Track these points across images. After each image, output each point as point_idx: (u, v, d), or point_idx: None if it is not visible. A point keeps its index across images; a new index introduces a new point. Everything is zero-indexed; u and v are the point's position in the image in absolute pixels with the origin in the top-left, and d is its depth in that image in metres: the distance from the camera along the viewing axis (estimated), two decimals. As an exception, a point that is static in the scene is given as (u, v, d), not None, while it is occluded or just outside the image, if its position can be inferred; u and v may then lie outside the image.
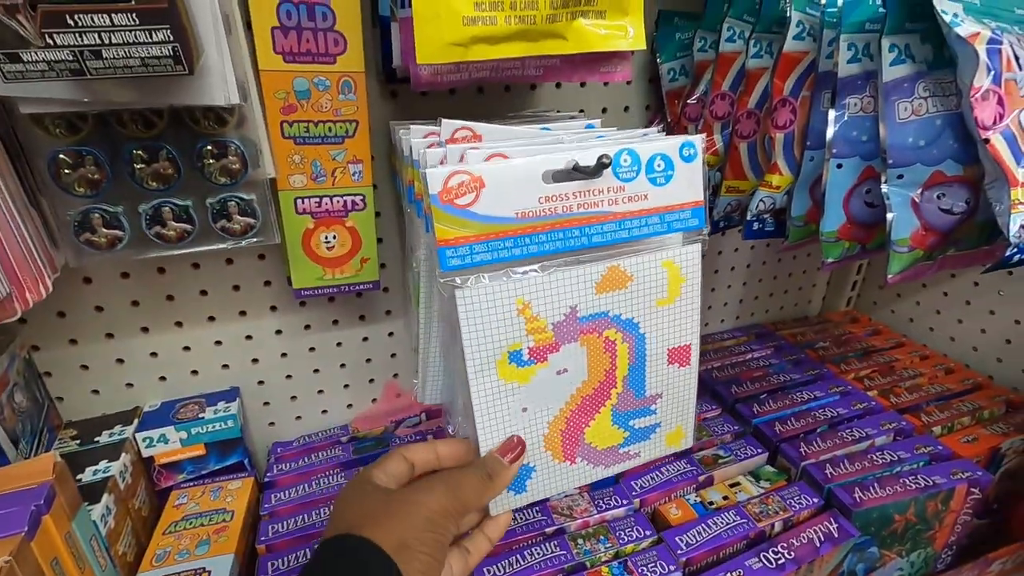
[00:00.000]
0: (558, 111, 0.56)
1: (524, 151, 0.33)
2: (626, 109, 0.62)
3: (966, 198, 0.37)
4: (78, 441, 0.51)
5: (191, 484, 0.55)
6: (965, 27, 0.33)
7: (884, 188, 0.39)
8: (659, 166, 0.34)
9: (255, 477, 0.57)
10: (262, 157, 0.42)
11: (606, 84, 0.60)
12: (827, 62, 0.41)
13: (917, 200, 0.38)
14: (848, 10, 0.39)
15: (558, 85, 0.58)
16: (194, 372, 0.58)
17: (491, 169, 0.31)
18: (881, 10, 0.38)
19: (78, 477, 0.47)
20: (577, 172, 0.32)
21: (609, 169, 0.32)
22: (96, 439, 0.51)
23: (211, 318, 0.56)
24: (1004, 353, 0.71)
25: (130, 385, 0.56)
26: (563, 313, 0.33)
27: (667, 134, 0.59)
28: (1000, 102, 0.33)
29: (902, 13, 0.36)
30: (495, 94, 0.56)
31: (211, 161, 0.39)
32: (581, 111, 0.60)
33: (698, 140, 0.34)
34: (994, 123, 0.33)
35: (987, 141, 0.33)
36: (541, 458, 0.36)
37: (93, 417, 0.55)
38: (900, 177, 0.38)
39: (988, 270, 0.36)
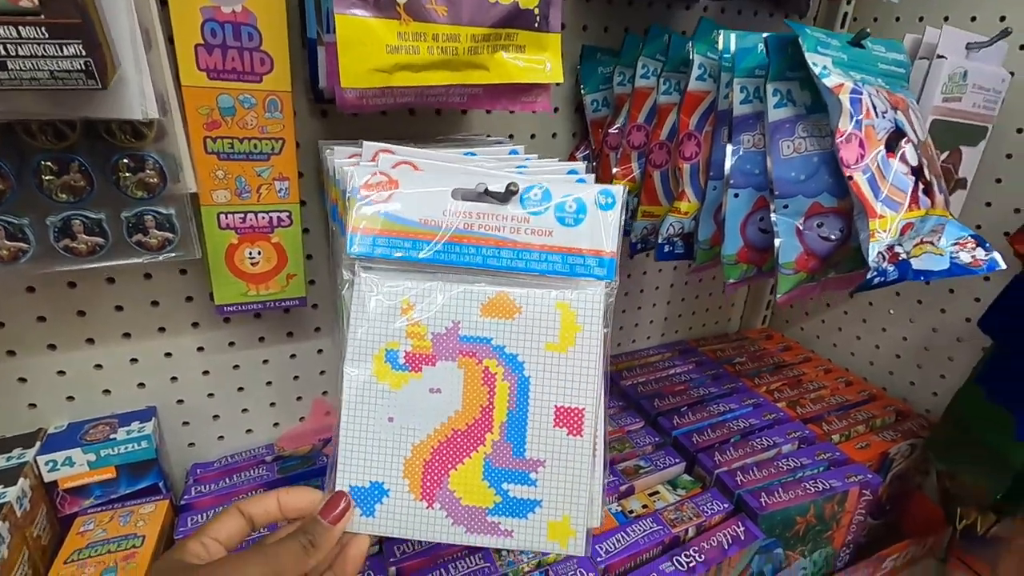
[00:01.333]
0: (488, 135, 0.58)
1: (440, 167, 0.35)
2: (554, 136, 0.66)
3: (840, 227, 0.42)
4: (-30, 466, 0.48)
5: (99, 509, 0.53)
6: (832, 79, 0.38)
7: (773, 216, 0.43)
8: (570, 207, 0.34)
9: (171, 500, 0.54)
10: (183, 172, 0.42)
11: (534, 111, 0.63)
12: (724, 102, 0.46)
13: (800, 228, 0.43)
14: (740, 57, 0.43)
15: (488, 111, 0.61)
16: (106, 392, 0.55)
17: (407, 175, 0.34)
18: (767, 58, 0.42)
19: (-32, 505, 0.44)
20: (486, 196, 0.34)
21: (516, 198, 0.34)
22: (-9, 464, 0.48)
23: (126, 335, 0.54)
24: (894, 367, 0.78)
25: (33, 405, 0.53)
26: (445, 326, 0.33)
27: (592, 161, 0.63)
28: (861, 144, 0.37)
29: (783, 63, 0.41)
30: (426, 117, 0.58)
31: (127, 174, 0.39)
32: (511, 136, 0.63)
33: (618, 190, 0.34)
34: (856, 162, 0.37)
35: (850, 178, 0.37)
36: (397, 484, 0.33)
37: (-11, 440, 0.51)
38: (785, 207, 0.43)
39: (854, 291, 0.41)
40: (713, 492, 0.59)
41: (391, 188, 0.34)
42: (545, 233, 0.34)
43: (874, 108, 0.38)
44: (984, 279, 0.67)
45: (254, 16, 0.41)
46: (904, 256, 0.38)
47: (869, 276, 0.37)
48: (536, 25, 0.42)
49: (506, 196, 0.34)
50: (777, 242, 0.43)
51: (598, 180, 0.61)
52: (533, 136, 0.64)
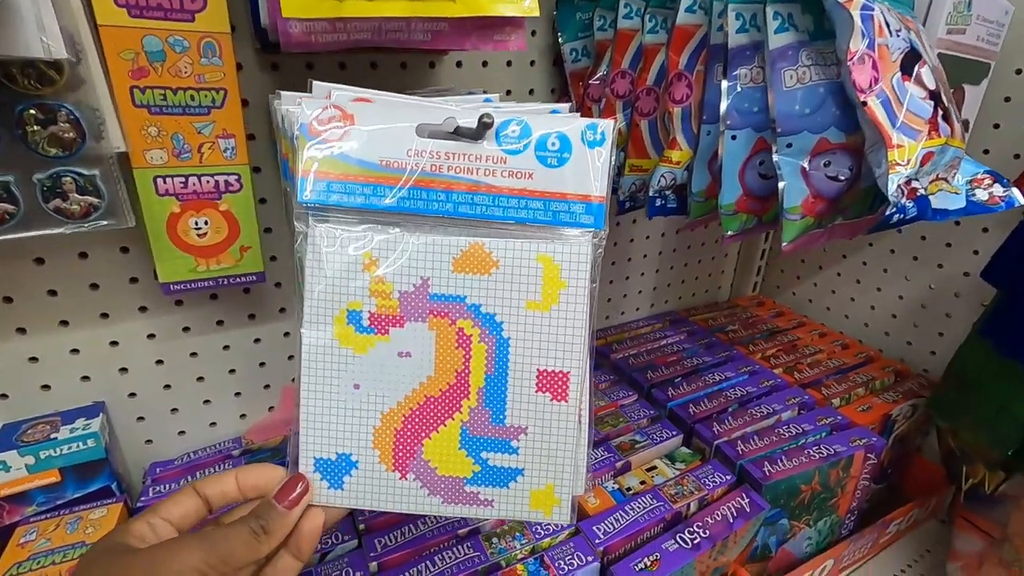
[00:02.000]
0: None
1: (402, 101, 0.31)
2: (531, 92, 0.61)
3: (850, 165, 0.38)
4: None
5: (43, 517, 0.47)
6: (840, -7, 0.34)
7: (775, 157, 0.39)
8: (553, 144, 0.30)
9: (125, 503, 0.49)
10: (106, 127, 0.36)
11: (509, 64, 0.58)
12: (718, 34, 0.42)
13: (806, 168, 0.39)
14: (735, -19, 0.39)
15: (459, 64, 0.56)
16: (45, 387, 0.49)
17: (364, 109, 0.29)
18: (765, -21, 0.38)
19: None
20: (457, 135, 0.29)
21: (492, 135, 0.29)
22: (-89, 473, 0.43)
23: (64, 323, 0.48)
24: (890, 327, 0.76)
25: (-41, 406, 0.47)
26: (413, 283, 0.30)
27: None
28: (875, 66, 0.34)
29: (784, -18, 0.37)
30: (390, 70, 0.53)
31: (36, 128, 0.33)
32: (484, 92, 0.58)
33: (608, 125, 0.29)
34: (870, 86, 0.33)
35: (864, 103, 0.33)
36: (366, 456, 0.30)
37: (-90, 447, 0.46)
38: (789, 146, 0.39)
39: (872, 230, 0.38)
40: (714, 464, 0.56)
41: (346, 124, 0.29)
42: (525, 175, 0.30)
43: (887, 25, 0.34)
44: (983, 230, 0.64)
45: (179, -59, 0.35)
46: (923, 192, 0.34)
47: (888, 212, 0.34)
48: (506, -53, 0.37)
49: (479, 131, 0.29)
50: (781, 185, 0.39)
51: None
52: (509, 92, 0.60)
